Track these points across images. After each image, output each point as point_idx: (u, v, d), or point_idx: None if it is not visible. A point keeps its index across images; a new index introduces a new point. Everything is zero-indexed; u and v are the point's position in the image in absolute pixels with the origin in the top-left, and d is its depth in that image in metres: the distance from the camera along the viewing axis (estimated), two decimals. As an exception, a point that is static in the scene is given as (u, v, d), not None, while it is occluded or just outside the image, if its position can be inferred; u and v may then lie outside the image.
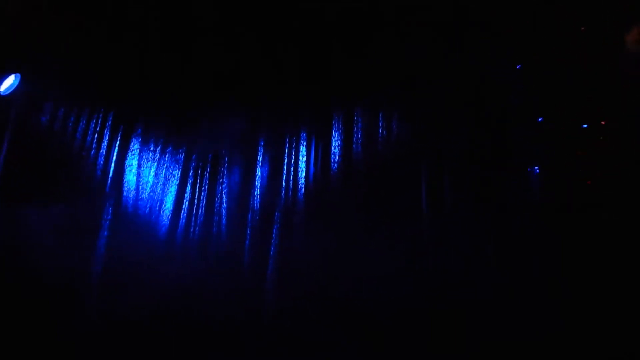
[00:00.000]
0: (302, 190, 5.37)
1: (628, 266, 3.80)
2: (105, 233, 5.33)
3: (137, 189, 5.64)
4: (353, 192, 5.12)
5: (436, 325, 4.31)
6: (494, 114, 4.72)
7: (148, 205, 5.66)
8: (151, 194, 5.72)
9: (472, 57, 4.77)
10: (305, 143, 5.56)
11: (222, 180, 5.75)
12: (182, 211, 5.72)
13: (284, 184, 5.49)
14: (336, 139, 5.39)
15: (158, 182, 5.79)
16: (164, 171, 5.83)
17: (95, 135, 5.55)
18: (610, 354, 3.70)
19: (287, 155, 5.60)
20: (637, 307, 3.69)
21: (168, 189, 5.79)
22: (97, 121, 5.58)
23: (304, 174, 5.44)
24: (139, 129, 5.78)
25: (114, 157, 5.62)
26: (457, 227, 4.59)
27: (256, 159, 5.69)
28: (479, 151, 4.70)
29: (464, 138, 4.79)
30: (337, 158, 5.31)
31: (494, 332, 4.09)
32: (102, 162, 5.53)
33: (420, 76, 5.06)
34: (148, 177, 5.77)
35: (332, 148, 5.37)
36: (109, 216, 5.39)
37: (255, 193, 5.56)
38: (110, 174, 5.55)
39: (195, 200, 5.78)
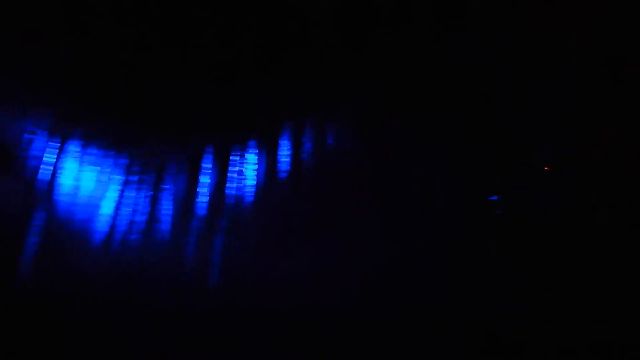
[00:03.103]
0: (250, 199, 5.32)
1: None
2: (35, 240, 4.96)
3: (73, 192, 5.33)
4: (301, 202, 5.13)
5: (377, 336, 4.38)
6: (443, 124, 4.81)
7: (85, 210, 5.35)
8: (89, 198, 5.41)
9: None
10: (254, 151, 5.50)
11: (167, 186, 5.56)
12: (122, 217, 5.46)
13: (231, 191, 5.40)
14: (285, 147, 5.39)
15: (97, 186, 5.49)
16: (103, 175, 5.54)
17: (30, 135, 5.17)
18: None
19: (235, 162, 5.50)
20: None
21: (107, 194, 5.51)
22: (32, 119, 5.20)
23: (251, 182, 5.38)
24: (79, 130, 5.46)
25: (50, 159, 5.27)
26: (403, 236, 4.68)
27: (203, 165, 5.56)
28: (428, 162, 4.80)
29: (413, 150, 4.85)
30: (286, 167, 5.31)
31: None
32: (35, 163, 5.18)
33: (370, 86, 5.09)
34: (86, 180, 5.45)
35: (282, 157, 5.36)
36: (40, 222, 5.04)
37: (201, 200, 5.42)
38: (45, 176, 5.21)
39: (137, 206, 5.52)
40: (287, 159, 5.32)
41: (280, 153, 5.37)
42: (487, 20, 4.61)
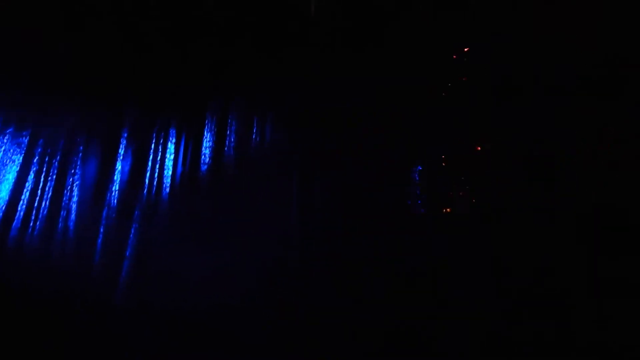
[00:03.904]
0: (167, 190, 5.10)
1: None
2: None
3: None
4: (221, 195, 5.01)
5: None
6: (367, 118, 4.87)
7: None
8: None
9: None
10: (174, 140, 5.28)
11: (75, 171, 5.17)
12: (21, 202, 5.02)
13: (147, 181, 5.15)
14: (208, 139, 5.22)
15: None
16: (0, 154, 5.07)
17: None
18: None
19: (154, 150, 5.25)
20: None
21: (4, 176, 5.04)
22: None
23: (170, 173, 5.16)
24: None
25: None
26: (328, 231, 4.71)
27: (117, 151, 5.23)
28: (352, 154, 4.80)
29: (335, 142, 4.87)
30: (207, 159, 5.14)
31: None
32: None
33: (295, 81, 5.12)
34: None
35: (203, 149, 5.19)
36: None
37: (114, 188, 5.12)
38: None
39: (39, 191, 5.10)
40: (209, 151, 5.16)
41: (203, 145, 5.21)
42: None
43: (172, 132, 5.27)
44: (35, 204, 5.01)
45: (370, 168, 4.73)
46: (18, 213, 4.93)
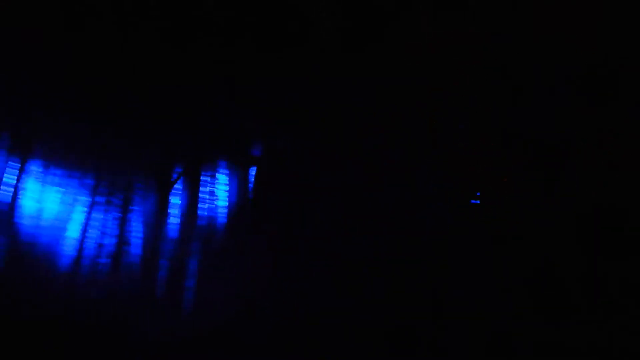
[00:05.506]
0: (222, 220, 5.27)
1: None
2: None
3: (36, 215, 4.99)
4: (273, 222, 5.10)
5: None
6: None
7: (49, 234, 5.04)
8: (53, 221, 5.09)
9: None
10: (225, 171, 5.46)
11: (136, 207, 5.36)
12: (90, 240, 5.19)
13: (203, 212, 5.32)
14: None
15: (62, 209, 5.17)
16: (68, 196, 5.22)
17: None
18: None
19: (207, 183, 5.43)
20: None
21: (73, 216, 5.21)
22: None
23: (224, 203, 5.33)
24: (40, 149, 5.14)
25: (10, 180, 4.92)
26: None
27: (173, 186, 5.43)
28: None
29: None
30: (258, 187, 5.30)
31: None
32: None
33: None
34: (50, 202, 5.12)
35: (252, 177, 5.34)
36: (1, 247, 4.69)
37: (172, 222, 5.32)
38: (5, 198, 4.85)
39: (105, 229, 5.28)
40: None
41: (251, 173, 5.34)
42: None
43: (222, 163, 5.40)
44: (102, 241, 5.15)
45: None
46: (87, 250, 5.07)
